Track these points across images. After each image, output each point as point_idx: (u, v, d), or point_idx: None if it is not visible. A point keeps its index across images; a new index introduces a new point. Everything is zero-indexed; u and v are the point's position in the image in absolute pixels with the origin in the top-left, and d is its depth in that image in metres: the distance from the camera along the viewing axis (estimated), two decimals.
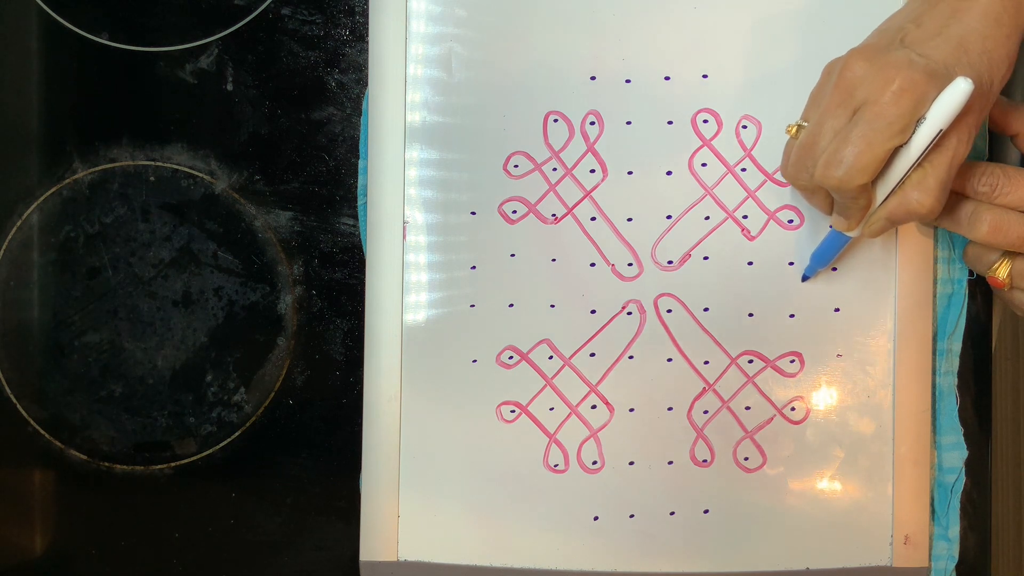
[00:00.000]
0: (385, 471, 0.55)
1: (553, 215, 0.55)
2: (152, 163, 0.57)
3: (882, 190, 0.47)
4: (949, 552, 0.56)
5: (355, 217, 0.56)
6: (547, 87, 0.55)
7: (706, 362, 0.55)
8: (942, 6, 0.45)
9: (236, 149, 0.56)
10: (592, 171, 0.55)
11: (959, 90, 0.43)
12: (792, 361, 0.55)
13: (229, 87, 0.56)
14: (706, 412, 0.55)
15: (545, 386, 0.55)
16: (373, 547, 0.55)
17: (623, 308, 0.55)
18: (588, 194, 0.55)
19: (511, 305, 0.55)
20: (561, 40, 0.55)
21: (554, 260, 0.55)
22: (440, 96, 0.55)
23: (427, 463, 0.55)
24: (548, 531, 0.55)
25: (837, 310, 0.55)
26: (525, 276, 0.55)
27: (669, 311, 0.55)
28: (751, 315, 0.55)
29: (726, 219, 0.55)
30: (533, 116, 0.55)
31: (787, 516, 0.55)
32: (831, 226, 0.51)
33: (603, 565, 0.55)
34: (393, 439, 0.55)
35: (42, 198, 0.57)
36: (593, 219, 0.55)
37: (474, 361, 0.55)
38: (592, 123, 0.55)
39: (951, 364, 0.56)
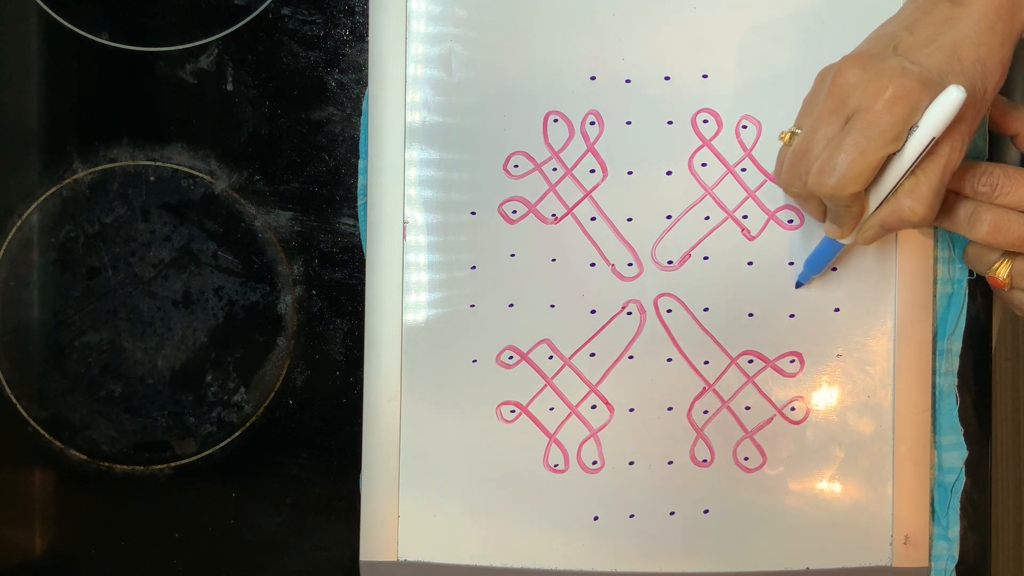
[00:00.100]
0: (385, 471, 0.55)
1: (553, 215, 0.55)
2: (152, 163, 0.57)
3: (875, 197, 0.47)
4: (949, 552, 0.56)
5: (355, 217, 0.56)
6: (547, 87, 0.55)
7: (706, 362, 0.55)
8: (935, 13, 0.45)
9: (236, 149, 0.56)
10: (592, 171, 0.55)
11: (952, 98, 0.43)
12: (792, 361, 0.55)
13: (229, 87, 0.56)
14: (706, 412, 0.55)
15: (545, 386, 0.55)
16: (373, 547, 0.55)
17: (623, 308, 0.55)
18: (588, 194, 0.55)
19: (511, 305, 0.55)
20: (561, 40, 0.55)
21: (554, 260, 0.55)
22: (440, 96, 0.55)
23: (427, 463, 0.55)
24: (548, 531, 0.55)
25: (837, 310, 0.55)
26: (525, 276, 0.55)
27: (669, 311, 0.55)
28: (751, 315, 0.55)
29: (726, 219, 0.55)
30: (533, 116, 0.55)
31: (787, 516, 0.55)
32: (824, 233, 0.51)
33: (603, 565, 0.55)
34: (393, 439, 0.55)
35: (42, 198, 0.57)
36: (593, 219, 0.55)
37: (474, 361, 0.55)
38: (592, 123, 0.55)
39: (951, 364, 0.56)
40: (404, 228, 0.55)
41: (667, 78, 0.55)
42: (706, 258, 0.55)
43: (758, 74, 0.54)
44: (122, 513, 0.57)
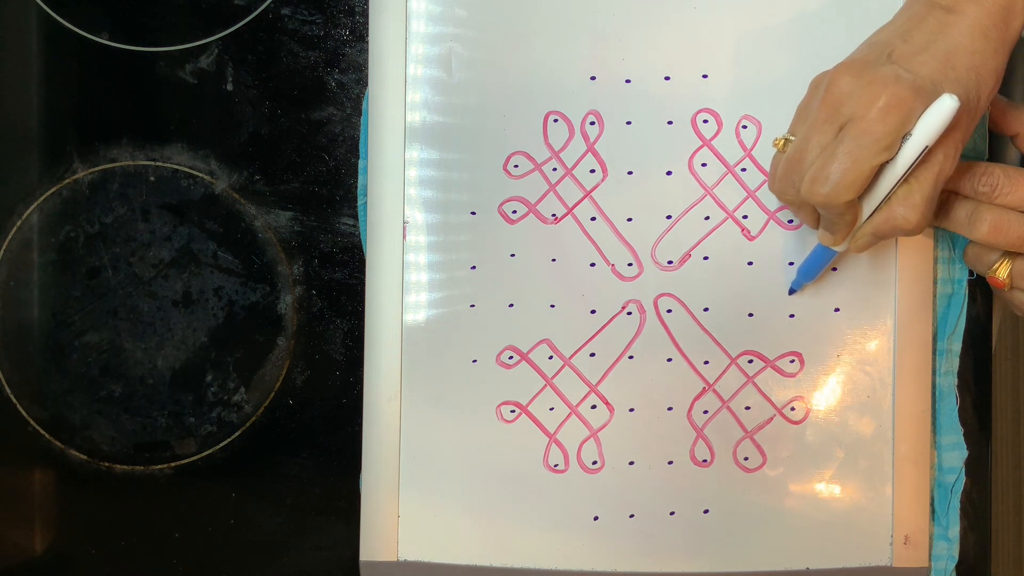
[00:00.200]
0: (385, 471, 0.55)
1: (553, 215, 0.55)
2: (152, 163, 0.57)
3: (868, 205, 0.47)
4: (949, 552, 0.56)
5: (355, 217, 0.56)
6: (547, 87, 0.55)
7: (706, 362, 0.55)
8: (929, 20, 0.45)
9: (236, 149, 0.56)
10: (592, 171, 0.55)
11: (945, 107, 0.43)
12: (792, 361, 0.55)
13: (229, 87, 0.56)
14: (706, 412, 0.55)
15: (545, 386, 0.55)
16: (373, 547, 0.55)
17: (623, 308, 0.55)
18: (588, 194, 0.55)
19: (511, 305, 0.55)
20: (561, 40, 0.55)
21: (554, 260, 0.55)
22: (440, 96, 0.55)
23: (427, 463, 0.55)
24: (548, 531, 0.55)
25: (837, 310, 0.55)
26: (525, 276, 0.55)
27: (669, 311, 0.55)
28: (751, 315, 0.55)
29: (726, 219, 0.55)
30: (533, 116, 0.55)
31: (787, 516, 0.55)
32: (818, 240, 0.51)
33: (603, 565, 0.55)
34: (393, 439, 0.55)
35: (42, 198, 0.57)
36: (593, 219, 0.55)
37: (474, 361, 0.55)
38: (592, 123, 0.55)
39: (951, 364, 0.56)
40: (404, 228, 0.55)
41: (667, 78, 0.55)
42: (706, 258, 0.55)
43: (758, 74, 0.54)
44: (122, 513, 0.57)
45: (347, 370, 0.56)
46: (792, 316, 0.55)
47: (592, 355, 0.55)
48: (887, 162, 0.44)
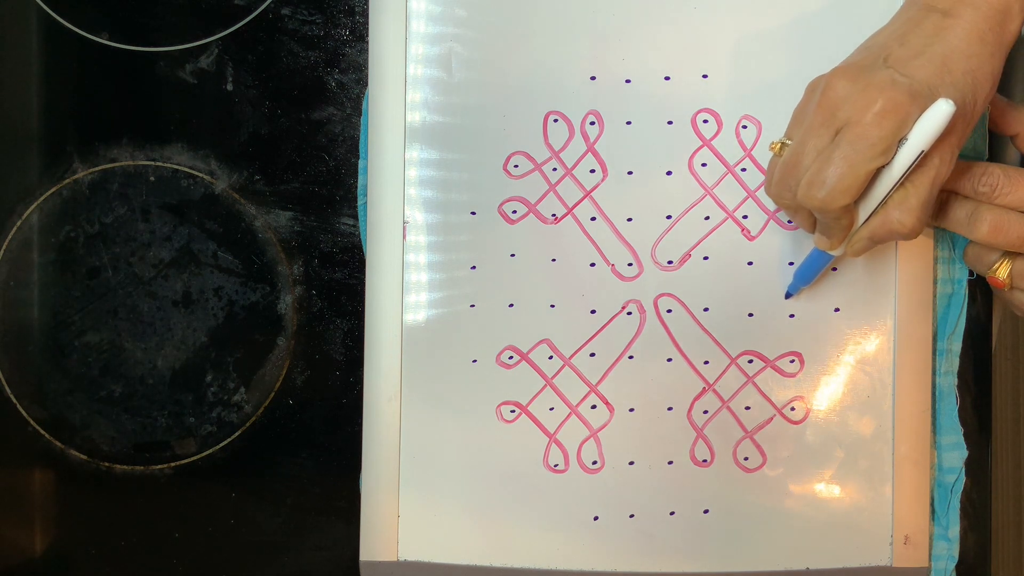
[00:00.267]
0: (385, 471, 0.55)
1: (553, 215, 0.55)
2: (152, 163, 0.57)
3: (864, 210, 0.47)
4: (949, 552, 0.56)
5: (355, 217, 0.56)
6: (547, 87, 0.55)
7: (706, 362, 0.55)
8: (926, 24, 0.45)
9: (236, 149, 0.56)
10: (592, 171, 0.55)
11: (941, 112, 0.43)
12: (792, 361, 0.55)
13: (229, 87, 0.56)
14: (706, 412, 0.55)
15: (545, 386, 0.55)
16: (373, 547, 0.55)
17: (623, 308, 0.55)
18: (588, 194, 0.55)
19: (511, 305, 0.55)
20: (561, 40, 0.55)
21: (554, 260, 0.55)
22: (440, 96, 0.55)
23: (427, 463, 0.55)
24: (548, 531, 0.55)
25: (837, 310, 0.55)
26: (525, 276, 0.55)
27: (669, 311, 0.55)
28: (751, 315, 0.55)
29: (726, 219, 0.55)
30: (533, 116, 0.55)
31: (787, 516, 0.55)
32: (814, 245, 0.51)
33: (603, 565, 0.55)
34: (393, 439, 0.55)
35: (42, 198, 0.57)
36: (593, 219, 0.55)
37: (474, 361, 0.55)
38: (592, 123, 0.55)
39: (951, 364, 0.56)
40: (404, 228, 0.55)
41: (667, 78, 0.55)
42: (706, 258, 0.55)
43: (758, 74, 0.54)
44: (122, 513, 0.57)
45: (347, 370, 0.56)
46: (792, 316, 0.55)
47: (592, 355, 0.55)
48: (883, 166, 0.44)
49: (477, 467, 0.55)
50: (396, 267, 0.55)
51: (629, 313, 0.55)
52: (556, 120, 0.55)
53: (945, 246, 0.56)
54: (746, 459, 0.55)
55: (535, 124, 0.55)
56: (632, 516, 0.55)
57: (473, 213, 0.55)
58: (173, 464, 0.57)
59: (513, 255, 0.55)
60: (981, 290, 0.57)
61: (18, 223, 0.57)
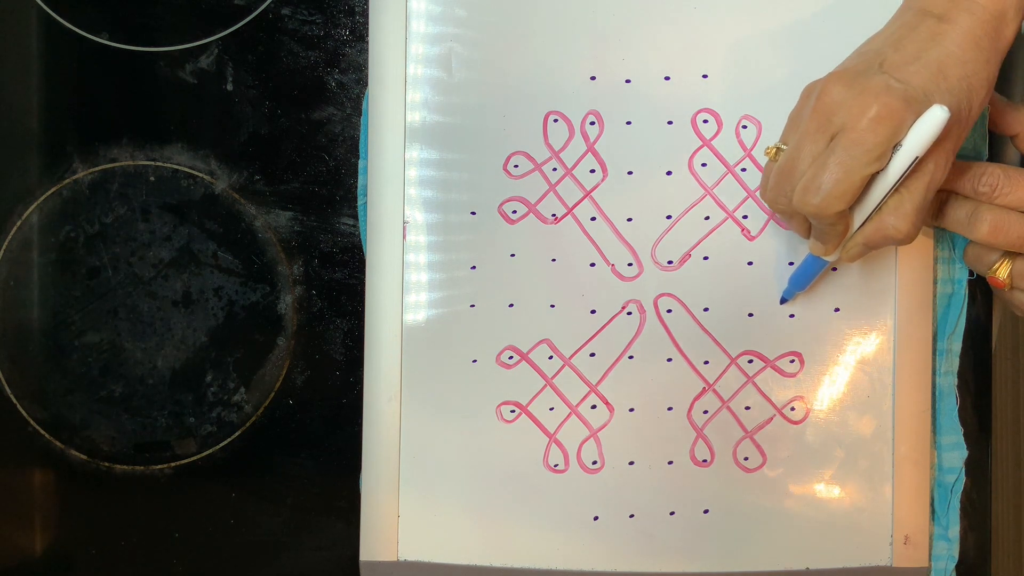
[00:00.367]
0: (385, 471, 0.55)
1: (553, 215, 0.55)
2: (152, 163, 0.57)
3: (859, 215, 0.47)
4: (949, 552, 0.56)
5: (355, 217, 0.56)
6: (547, 87, 0.55)
7: (706, 362, 0.55)
8: (921, 29, 0.45)
9: (236, 149, 0.56)
10: (592, 171, 0.55)
11: (935, 119, 0.42)
12: (792, 361, 0.55)
13: (229, 87, 0.56)
14: (706, 412, 0.55)
15: (545, 386, 0.55)
16: (373, 547, 0.55)
17: (623, 308, 0.55)
18: (588, 194, 0.55)
19: (511, 305, 0.55)
20: (561, 40, 0.55)
21: (554, 260, 0.55)
22: (440, 96, 0.55)
23: (427, 463, 0.55)
24: (548, 531, 0.55)
25: (837, 310, 0.55)
26: (525, 276, 0.55)
27: (669, 311, 0.55)
28: (751, 315, 0.55)
29: (726, 219, 0.55)
30: (533, 116, 0.55)
31: (787, 516, 0.55)
32: (809, 250, 0.51)
33: (603, 565, 0.55)
34: (393, 439, 0.55)
35: (42, 198, 0.57)
36: (593, 219, 0.55)
37: (474, 361, 0.55)
38: (592, 123, 0.55)
39: (951, 364, 0.56)
40: (404, 228, 0.55)
41: (667, 78, 0.55)
42: (706, 258, 0.55)
43: (758, 74, 0.54)
44: (122, 513, 0.57)
45: (347, 370, 0.56)
46: (792, 316, 0.55)
47: (592, 355, 0.55)
48: (878, 172, 0.44)
49: (477, 467, 0.55)
50: (396, 267, 0.55)
51: (629, 313, 0.55)
52: (556, 120, 0.55)
53: (945, 246, 0.56)
54: (746, 459, 0.55)
55: (535, 124, 0.55)
56: (632, 516, 0.55)
57: (473, 213, 0.55)
58: (173, 464, 0.57)
59: (513, 255, 0.55)
60: (981, 290, 0.57)
61: (18, 223, 0.57)
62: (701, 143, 0.55)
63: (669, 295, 0.55)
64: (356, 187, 0.56)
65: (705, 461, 0.55)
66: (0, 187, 0.57)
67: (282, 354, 0.57)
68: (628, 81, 0.55)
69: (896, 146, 0.44)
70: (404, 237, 0.55)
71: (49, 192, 0.56)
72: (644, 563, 0.55)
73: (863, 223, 0.47)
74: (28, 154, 0.57)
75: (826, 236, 0.48)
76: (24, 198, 0.57)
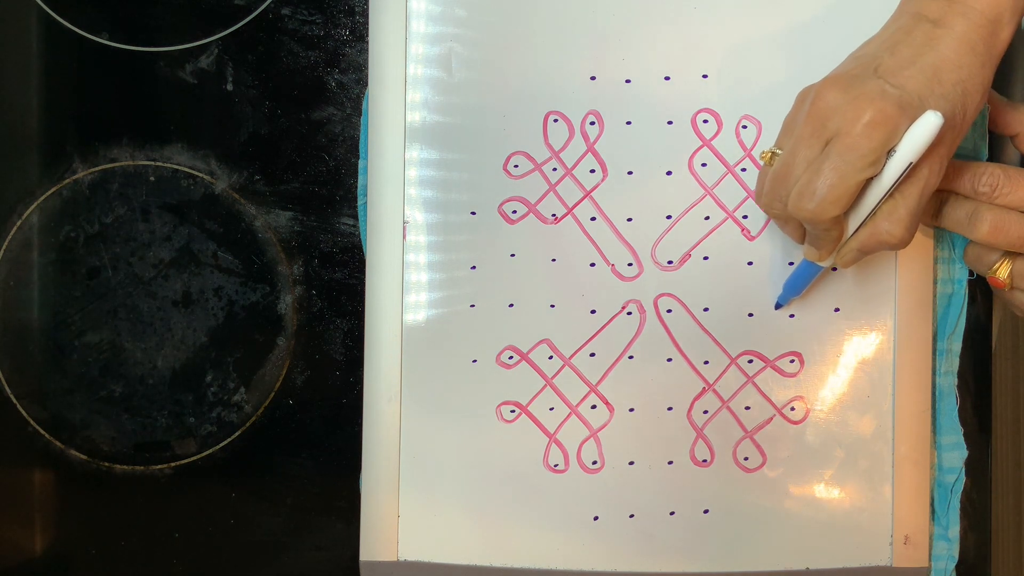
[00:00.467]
0: (385, 471, 0.55)
1: (553, 215, 0.55)
2: (152, 163, 0.57)
3: (854, 221, 0.47)
4: (949, 552, 0.56)
5: (355, 217, 0.56)
6: (547, 87, 0.55)
7: (706, 362, 0.55)
8: (916, 33, 0.45)
9: (236, 149, 0.56)
10: (592, 171, 0.55)
11: (929, 124, 0.42)
12: (792, 361, 0.55)
13: (229, 87, 0.56)
14: (706, 412, 0.55)
15: (545, 386, 0.55)
16: (373, 547, 0.55)
17: (623, 308, 0.55)
18: (588, 194, 0.55)
19: (511, 305, 0.55)
20: (561, 40, 0.55)
21: (554, 260, 0.55)
22: (440, 96, 0.55)
23: (427, 463, 0.55)
24: (548, 531, 0.55)
25: (837, 310, 0.55)
26: (525, 276, 0.55)
27: (669, 311, 0.55)
28: (751, 315, 0.55)
29: (726, 219, 0.55)
30: (533, 116, 0.55)
31: (787, 516, 0.55)
32: (803, 256, 0.51)
33: (603, 565, 0.55)
34: (393, 439, 0.55)
35: (42, 198, 0.57)
36: (593, 219, 0.55)
37: (474, 361, 0.55)
38: (592, 123, 0.55)
39: (951, 364, 0.56)
40: (404, 228, 0.55)
41: (667, 78, 0.55)
42: (706, 258, 0.55)
43: (758, 74, 0.54)
44: (122, 513, 0.57)
45: (347, 370, 0.56)
46: (792, 316, 0.55)
47: (592, 355, 0.55)
48: (872, 177, 0.44)
49: (477, 467, 0.55)
50: (396, 267, 0.55)
51: (629, 313, 0.55)
52: (556, 120, 0.55)
53: (945, 246, 0.56)
54: (746, 459, 0.55)
55: (535, 124, 0.55)
56: (632, 516, 0.55)
57: (473, 213, 0.55)
58: (173, 464, 0.57)
59: (513, 255, 0.55)
60: (981, 290, 0.57)
61: (18, 223, 0.57)
62: (701, 143, 0.55)
63: (669, 295, 0.55)
64: (356, 187, 0.56)
65: (705, 461, 0.55)
66: (0, 187, 0.57)
67: (282, 354, 0.57)
68: (628, 81, 0.55)
69: (890, 151, 0.44)
70: (404, 237, 0.55)
71: (49, 192, 0.56)
72: (644, 563, 0.55)
73: (857, 228, 0.47)
74: (28, 154, 0.57)
75: (821, 241, 0.48)
76: (24, 198, 0.57)
